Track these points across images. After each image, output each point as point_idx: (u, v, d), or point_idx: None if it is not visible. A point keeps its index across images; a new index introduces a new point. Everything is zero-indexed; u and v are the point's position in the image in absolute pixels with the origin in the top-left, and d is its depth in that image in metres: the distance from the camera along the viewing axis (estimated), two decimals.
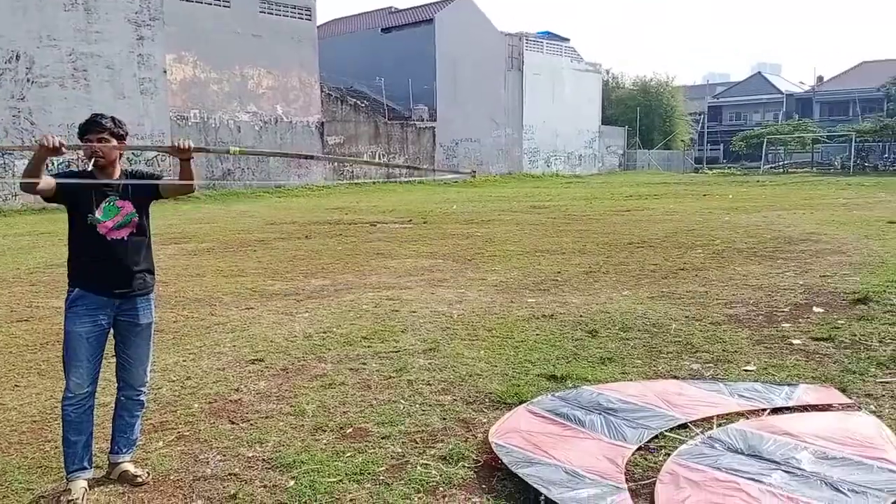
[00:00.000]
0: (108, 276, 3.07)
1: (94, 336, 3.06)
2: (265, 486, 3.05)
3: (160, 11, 21.49)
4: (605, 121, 44.98)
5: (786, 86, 67.69)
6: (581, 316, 5.94)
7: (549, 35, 41.11)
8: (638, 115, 47.21)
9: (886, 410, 3.71)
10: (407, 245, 10.84)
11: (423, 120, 31.93)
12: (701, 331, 5.36)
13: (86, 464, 3.06)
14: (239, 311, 6.48)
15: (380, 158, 29.97)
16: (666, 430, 3.49)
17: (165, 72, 21.78)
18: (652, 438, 3.41)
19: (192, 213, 17.14)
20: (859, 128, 38.73)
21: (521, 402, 3.92)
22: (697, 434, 3.45)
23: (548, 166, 38.93)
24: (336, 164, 28.04)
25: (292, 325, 5.90)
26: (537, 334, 5.41)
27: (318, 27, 28.23)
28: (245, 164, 24.69)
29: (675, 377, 4.33)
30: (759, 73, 70.40)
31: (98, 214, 3.05)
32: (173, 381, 4.47)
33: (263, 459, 3.31)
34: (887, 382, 4.13)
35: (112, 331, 3.16)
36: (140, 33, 21.10)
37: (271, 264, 9.26)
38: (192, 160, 3.14)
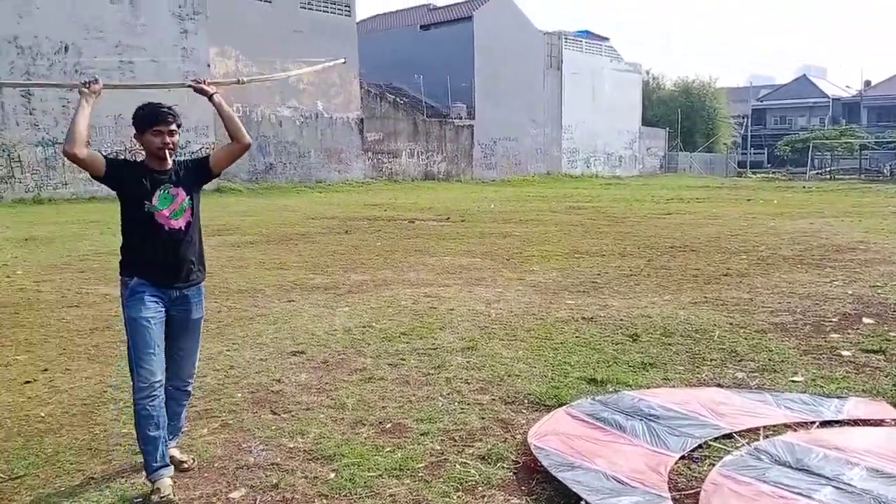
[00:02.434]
0: (165, 267, 3.02)
1: (158, 322, 2.98)
2: (306, 477, 3.08)
3: (203, 6, 21.90)
4: (646, 122, 44.44)
5: (832, 90, 66.04)
6: (622, 319, 5.87)
7: (589, 34, 40.77)
8: (679, 116, 46.51)
9: None
10: (445, 243, 10.85)
11: (461, 118, 31.94)
12: (746, 338, 5.25)
13: (167, 459, 2.94)
14: (280, 304, 6.56)
15: (418, 156, 30.08)
16: (710, 440, 3.43)
17: (209, 66, 22.15)
18: (695, 448, 3.35)
19: (235, 206, 17.41)
20: None
21: (560, 405, 3.89)
22: (743, 445, 3.37)
23: (587, 167, 38.65)
24: (376, 161, 28.18)
25: (332, 318, 5.95)
26: (577, 337, 5.36)
27: (357, 23, 28.43)
28: (287, 159, 25.01)
29: (720, 385, 4.25)
30: (805, 76, 68.74)
31: (154, 202, 2.99)
32: (217, 369, 4.55)
33: (305, 451, 3.35)
34: None
35: (166, 323, 3.07)
36: (184, 27, 21.53)
37: (312, 258, 9.35)
38: (218, 95, 3.22)
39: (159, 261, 3.00)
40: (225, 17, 22.62)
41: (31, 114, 18.65)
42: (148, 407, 2.87)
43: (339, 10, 26.48)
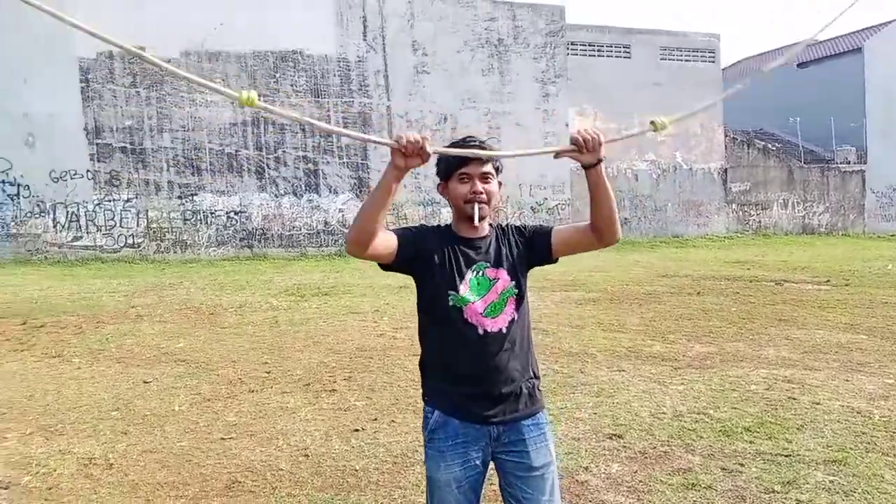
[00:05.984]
0: (480, 391, 2.08)
1: (468, 482, 2.08)
2: None
3: (564, 69, 22.81)
4: None
5: None
6: None
7: None
8: None
9: None
10: (819, 312, 9.09)
11: (849, 162, 27.59)
12: None
13: None
14: (609, 373, 6.06)
15: (793, 207, 26.82)
16: None
17: (567, 125, 22.91)
18: None
19: (587, 260, 17.42)
20: None
21: None
22: None
23: None
24: (742, 214, 25.96)
25: (662, 397, 5.23)
26: None
27: (724, 69, 26.73)
28: (641, 213, 24.50)
29: None
30: None
31: (463, 291, 2.08)
32: None
33: None
34: None
35: (496, 470, 2.17)
36: (546, 90, 22.66)
37: (654, 322, 8.64)
38: (601, 165, 2.03)
39: (470, 382, 2.06)
40: (584, 77, 23.31)
41: (415, 178, 21.46)
42: None
43: (702, 56, 25.31)
